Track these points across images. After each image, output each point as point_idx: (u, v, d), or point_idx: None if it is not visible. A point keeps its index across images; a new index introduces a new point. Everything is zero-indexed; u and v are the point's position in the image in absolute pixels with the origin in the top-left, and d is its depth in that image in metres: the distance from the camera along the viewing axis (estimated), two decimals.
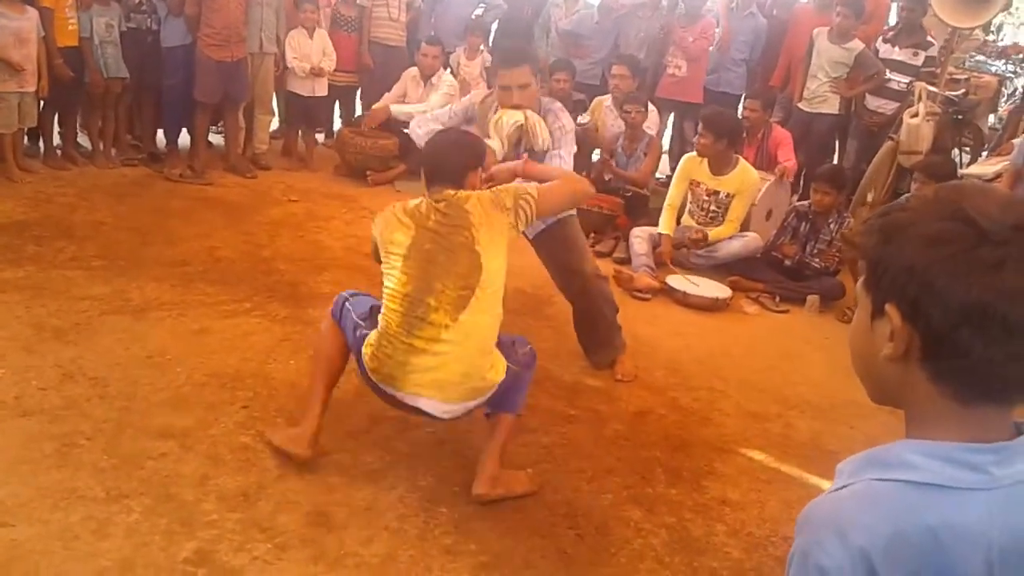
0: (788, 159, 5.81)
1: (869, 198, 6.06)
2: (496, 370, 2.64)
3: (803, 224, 5.20)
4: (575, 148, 3.61)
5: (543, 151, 3.48)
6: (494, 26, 7.55)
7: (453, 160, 2.78)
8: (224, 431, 2.90)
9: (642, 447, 3.20)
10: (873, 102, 6.25)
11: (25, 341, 3.28)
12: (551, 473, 2.95)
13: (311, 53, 6.37)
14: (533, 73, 3.47)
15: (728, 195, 5.26)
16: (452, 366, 2.55)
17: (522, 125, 3.41)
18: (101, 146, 5.91)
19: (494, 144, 3.40)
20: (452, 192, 2.69)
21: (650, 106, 6.18)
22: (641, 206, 5.80)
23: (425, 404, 2.60)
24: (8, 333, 3.33)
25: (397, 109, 6.42)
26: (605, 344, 3.84)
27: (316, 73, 6.39)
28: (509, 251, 2.69)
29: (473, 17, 7.28)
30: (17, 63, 5.00)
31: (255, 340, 3.62)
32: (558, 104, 3.62)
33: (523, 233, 3.43)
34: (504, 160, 3.36)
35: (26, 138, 5.63)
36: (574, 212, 3.70)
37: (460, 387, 2.60)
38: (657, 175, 6.49)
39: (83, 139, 6.01)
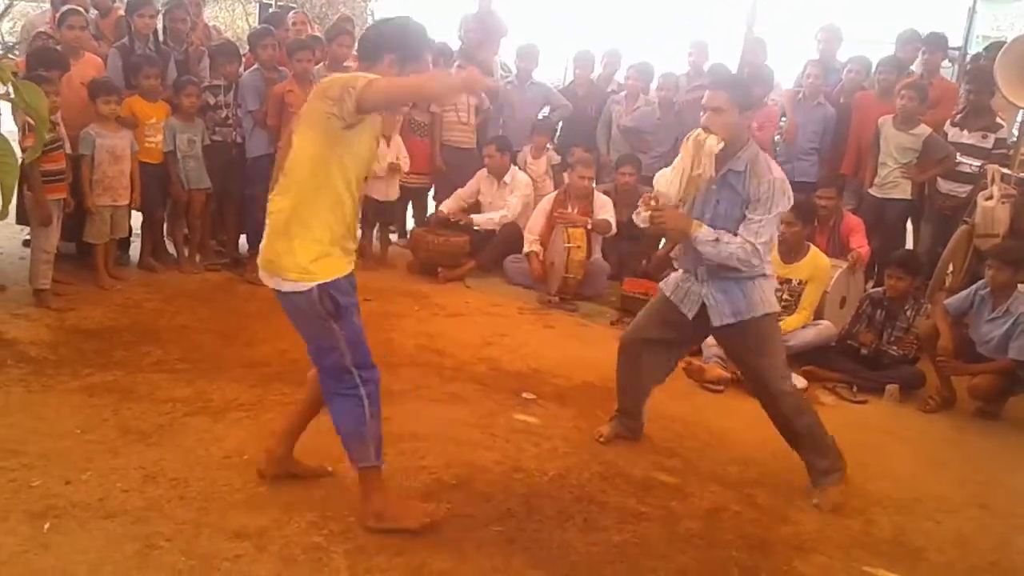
0: (861, 245, 5.74)
1: (947, 283, 5.93)
2: (291, 260, 2.76)
3: (878, 311, 5.11)
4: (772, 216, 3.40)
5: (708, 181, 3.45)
6: (559, 125, 7.77)
7: (371, 33, 2.93)
8: (297, 531, 2.95)
9: (718, 546, 3.13)
10: (945, 186, 6.16)
11: (111, 444, 3.40)
12: (623, 574, 2.90)
13: (387, 157, 6.63)
14: (733, 104, 3.36)
15: (800, 283, 5.21)
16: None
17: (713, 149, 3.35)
18: (186, 253, 6.20)
19: (668, 190, 3.49)
20: (339, 74, 2.81)
21: None
22: None
23: None
24: (96, 436, 3.46)
25: (480, 219, 6.79)
26: (809, 466, 3.59)
27: (392, 168, 6.60)
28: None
29: (539, 118, 7.50)
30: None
31: (328, 439, 3.64)
32: (771, 164, 3.46)
33: (715, 327, 3.55)
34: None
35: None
36: (773, 310, 3.53)
37: (263, 257, 2.88)
38: None
39: (169, 246, 6.30)
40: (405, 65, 2.81)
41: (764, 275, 3.50)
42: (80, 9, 5.71)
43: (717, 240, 3.38)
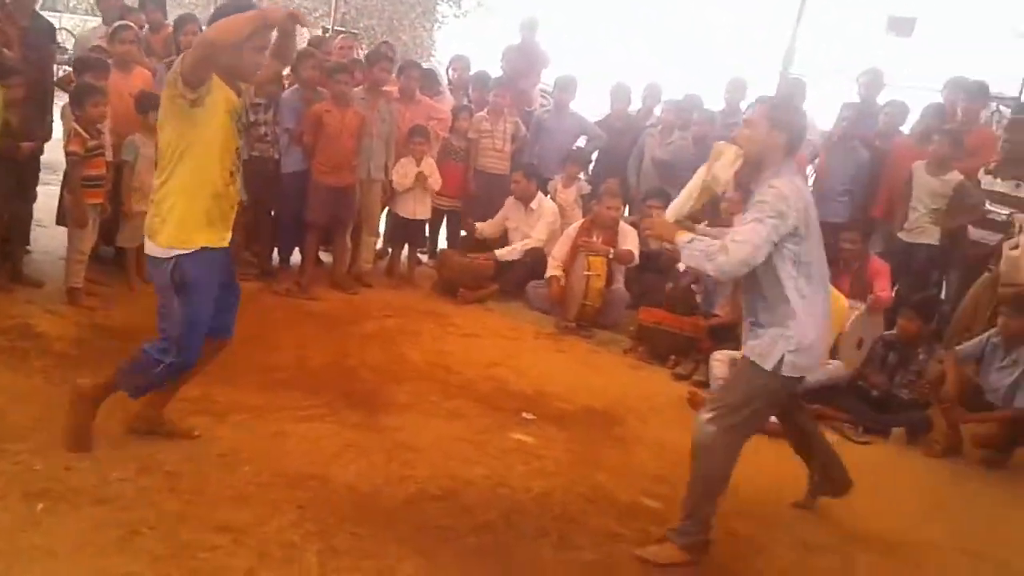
0: (883, 290, 5.70)
1: (971, 330, 5.83)
2: (161, 227, 3.13)
3: (890, 353, 5.07)
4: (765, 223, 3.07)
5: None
6: (594, 157, 7.87)
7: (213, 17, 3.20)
8: (277, 528, 3.05)
9: (688, 573, 3.15)
10: (975, 233, 6.09)
11: (114, 436, 3.52)
12: None
13: (416, 171, 6.75)
14: (765, 120, 3.17)
15: None
16: None
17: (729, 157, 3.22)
18: None
19: (676, 201, 3.41)
20: None
21: None
22: (727, 331, 5.77)
23: None
24: (101, 427, 3.59)
25: (503, 252, 6.90)
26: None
27: (420, 178, 6.70)
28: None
29: (574, 148, 7.61)
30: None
31: (324, 444, 3.80)
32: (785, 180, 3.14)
33: None
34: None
35: None
36: (761, 365, 3.19)
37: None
38: None
39: None
40: None
41: (785, 335, 3.15)
42: (131, 24, 6.01)
43: (691, 241, 3.20)
